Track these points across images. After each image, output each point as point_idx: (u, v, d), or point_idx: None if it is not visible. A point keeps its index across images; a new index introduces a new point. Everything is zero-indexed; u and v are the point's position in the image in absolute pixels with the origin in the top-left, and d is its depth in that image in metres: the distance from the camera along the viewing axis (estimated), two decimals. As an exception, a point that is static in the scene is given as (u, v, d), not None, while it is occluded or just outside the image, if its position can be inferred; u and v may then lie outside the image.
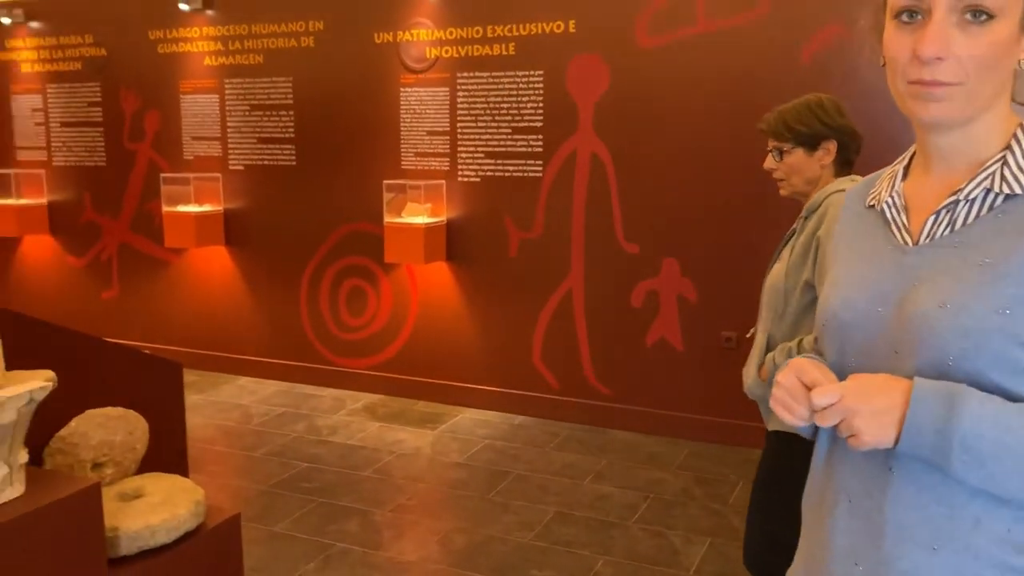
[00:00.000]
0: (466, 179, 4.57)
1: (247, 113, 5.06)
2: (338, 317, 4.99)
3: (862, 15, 0.99)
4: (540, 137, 4.38)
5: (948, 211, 1.00)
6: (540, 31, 4.30)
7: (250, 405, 4.76)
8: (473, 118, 4.51)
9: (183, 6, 5.02)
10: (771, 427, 2.09)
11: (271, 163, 5.03)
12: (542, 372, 4.53)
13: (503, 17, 4.36)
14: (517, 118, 4.42)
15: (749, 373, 2.09)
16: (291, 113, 4.94)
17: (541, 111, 4.36)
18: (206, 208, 5.14)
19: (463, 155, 4.56)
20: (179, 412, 2.25)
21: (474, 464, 3.91)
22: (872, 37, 1.07)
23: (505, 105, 4.43)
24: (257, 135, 5.05)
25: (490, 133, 4.49)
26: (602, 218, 4.28)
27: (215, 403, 4.78)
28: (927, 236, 1.02)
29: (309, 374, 5.10)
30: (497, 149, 4.48)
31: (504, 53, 4.39)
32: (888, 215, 1.08)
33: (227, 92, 5.10)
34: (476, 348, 4.67)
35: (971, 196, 0.99)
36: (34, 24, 5.60)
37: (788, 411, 1.02)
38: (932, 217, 1.01)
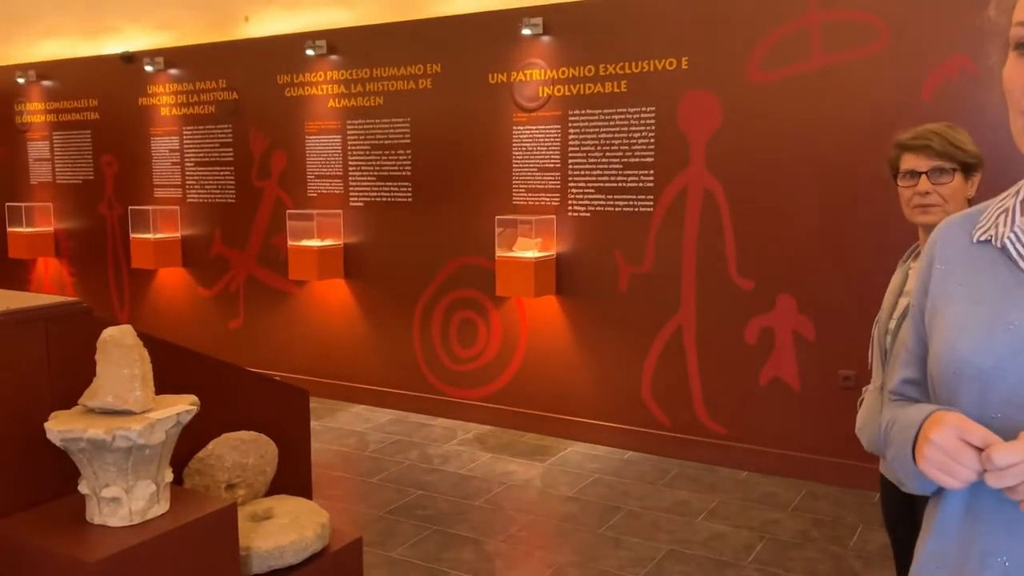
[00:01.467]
0: (576, 214, 4.62)
1: (367, 152, 5.28)
2: (449, 348, 5.11)
3: (992, 51, 0.96)
4: (651, 172, 4.39)
5: None
6: (652, 68, 4.33)
7: (366, 432, 4.91)
8: (584, 154, 4.57)
9: (309, 52, 5.30)
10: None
11: (389, 200, 5.23)
12: (651, 407, 4.49)
13: (615, 56, 4.42)
14: (628, 154, 4.45)
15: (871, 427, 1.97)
16: (408, 152, 5.13)
17: (652, 147, 4.38)
18: (328, 243, 5.37)
19: (573, 190, 4.62)
20: (305, 437, 2.36)
21: (584, 498, 3.91)
22: (998, 73, 1.04)
23: (616, 141, 4.47)
24: (376, 173, 5.26)
25: (600, 169, 4.53)
26: (714, 253, 4.24)
27: (333, 429, 4.95)
28: None
29: (421, 403, 5.22)
30: (607, 184, 4.52)
31: (616, 90, 4.45)
32: (1013, 251, 1.01)
33: (349, 132, 5.34)
34: (584, 382, 4.69)
35: None
36: (173, 71, 6.02)
37: (949, 473, 0.93)
38: None
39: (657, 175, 4.38)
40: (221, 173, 5.88)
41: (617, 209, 4.51)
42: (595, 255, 4.59)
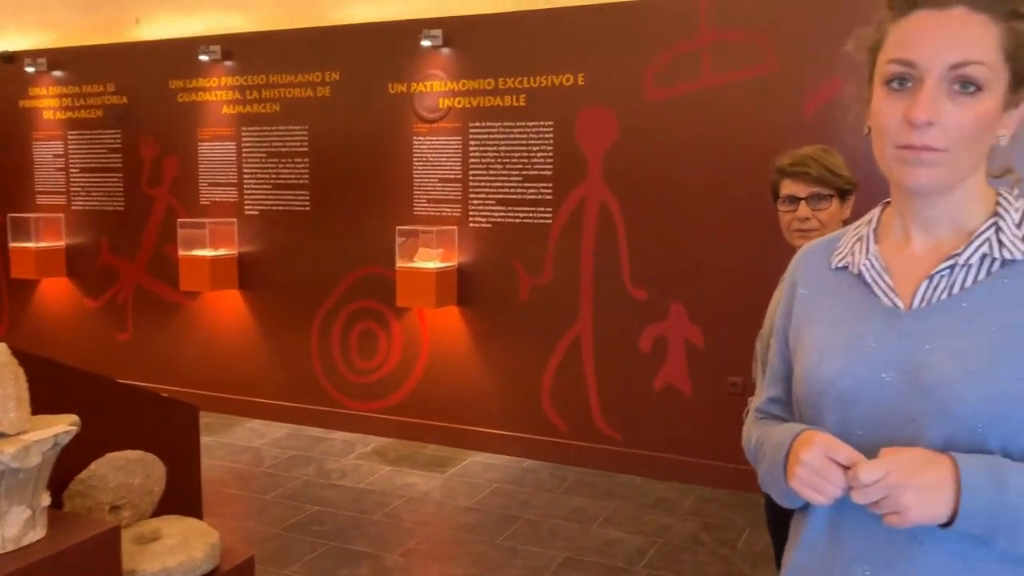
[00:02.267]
0: (477, 225, 4.65)
1: (263, 160, 5.18)
2: (349, 360, 5.05)
3: (848, 81, 1.03)
4: (550, 185, 4.47)
5: (943, 276, 1.01)
6: (550, 83, 4.41)
7: (261, 448, 4.80)
8: (484, 166, 4.61)
9: (203, 57, 5.16)
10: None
11: (285, 208, 5.13)
12: (551, 416, 4.56)
13: (514, 70, 4.48)
14: (527, 167, 4.51)
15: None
16: (306, 160, 5.05)
17: (551, 160, 4.45)
18: (221, 252, 5.23)
19: (474, 202, 4.65)
20: (195, 455, 2.30)
21: (483, 508, 3.93)
22: (856, 106, 1.09)
23: (516, 154, 4.53)
24: (272, 181, 5.16)
25: (501, 180, 4.58)
26: (611, 264, 4.35)
27: (227, 445, 4.82)
28: (922, 300, 1.01)
29: (320, 417, 5.14)
30: (508, 196, 4.57)
31: (515, 104, 4.50)
32: (869, 277, 1.06)
33: (244, 139, 5.22)
34: (486, 392, 4.72)
35: (969, 261, 1.00)
36: (57, 73, 5.76)
37: (818, 491, 0.97)
38: (927, 282, 1.01)
39: (556, 188, 4.46)
40: (109, 180, 5.66)
41: (517, 221, 4.56)
42: (496, 266, 4.63)
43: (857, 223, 1.15)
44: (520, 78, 4.48)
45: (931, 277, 1.01)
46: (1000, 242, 0.99)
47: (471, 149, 4.63)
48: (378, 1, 4.69)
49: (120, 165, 5.61)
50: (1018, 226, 1.01)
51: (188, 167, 5.40)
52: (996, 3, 0.94)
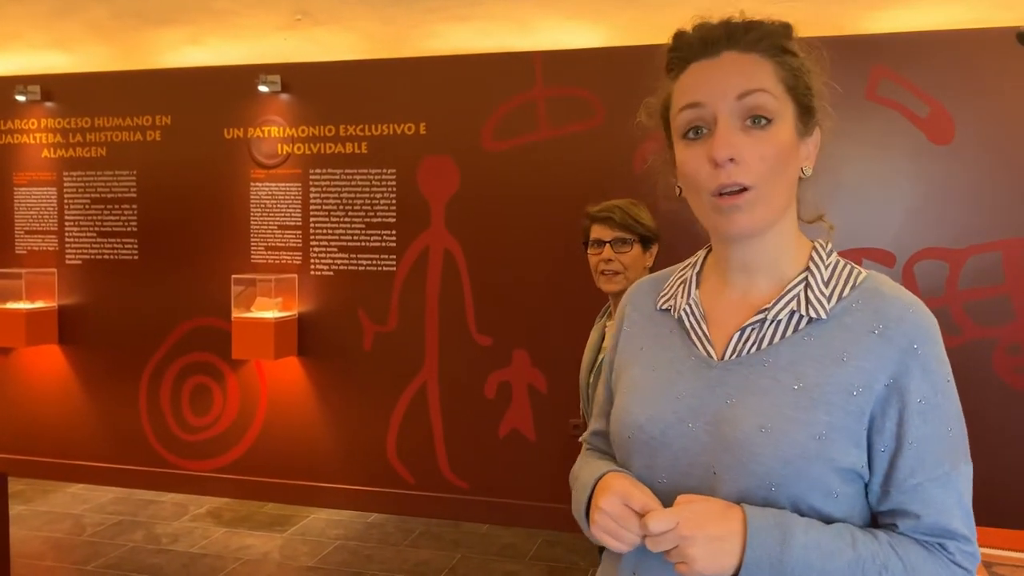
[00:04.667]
0: (319, 273, 4.56)
1: (87, 206, 4.88)
2: (180, 417, 4.79)
3: (648, 153, 1.08)
4: (393, 232, 4.45)
5: (755, 329, 1.02)
6: (392, 132, 4.42)
7: (83, 514, 4.45)
8: (326, 213, 4.54)
9: (20, 97, 4.84)
10: None
11: (112, 257, 4.85)
12: (396, 467, 4.48)
13: (355, 117, 4.46)
14: (371, 214, 4.48)
15: None
16: (134, 207, 4.81)
17: (394, 207, 4.44)
18: (39, 305, 4.86)
19: (316, 249, 4.56)
20: (2, 525, 2.10)
21: (326, 567, 3.79)
22: (664, 172, 1.11)
23: (359, 201, 4.49)
24: (97, 229, 4.87)
25: (343, 228, 4.52)
26: (455, 311, 4.36)
27: (43, 513, 4.44)
28: (733, 352, 1.02)
29: (149, 478, 4.82)
30: (351, 243, 4.51)
31: (357, 151, 4.48)
32: (687, 323, 1.07)
33: (66, 184, 4.92)
34: (329, 445, 4.58)
35: (778, 317, 1.01)
36: None
37: (616, 538, 0.97)
38: (738, 334, 1.02)
39: (399, 235, 4.44)
40: (-92, 226, 5.16)
41: (361, 268, 4.50)
42: (339, 314, 4.54)
43: (684, 264, 1.16)
44: (362, 125, 4.47)
45: (742, 330, 1.03)
46: (808, 299, 1.01)
47: (312, 196, 4.56)
48: (211, 46, 4.57)
49: (-79, 211, 5.14)
50: (826, 284, 1.02)
51: (2, 213, 5.01)
52: (761, 43, 1.00)
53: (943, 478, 0.98)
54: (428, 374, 4.42)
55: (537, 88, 4.20)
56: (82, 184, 4.89)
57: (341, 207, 4.52)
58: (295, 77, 4.54)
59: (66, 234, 4.93)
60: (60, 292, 4.93)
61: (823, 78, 1.05)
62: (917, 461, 0.97)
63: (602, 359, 2.12)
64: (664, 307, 1.11)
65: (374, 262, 4.49)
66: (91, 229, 4.88)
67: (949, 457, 0.99)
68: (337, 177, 4.52)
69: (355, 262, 4.51)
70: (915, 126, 3.79)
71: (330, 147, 4.52)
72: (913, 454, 0.97)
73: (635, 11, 3.33)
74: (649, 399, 1.04)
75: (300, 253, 4.58)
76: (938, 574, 0.95)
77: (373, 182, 4.47)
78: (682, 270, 1.15)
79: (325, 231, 4.55)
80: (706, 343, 1.04)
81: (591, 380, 2.13)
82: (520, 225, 4.25)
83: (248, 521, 4.31)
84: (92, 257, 4.89)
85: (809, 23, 3.86)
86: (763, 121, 0.97)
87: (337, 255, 4.54)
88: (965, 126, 3.75)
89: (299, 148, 4.56)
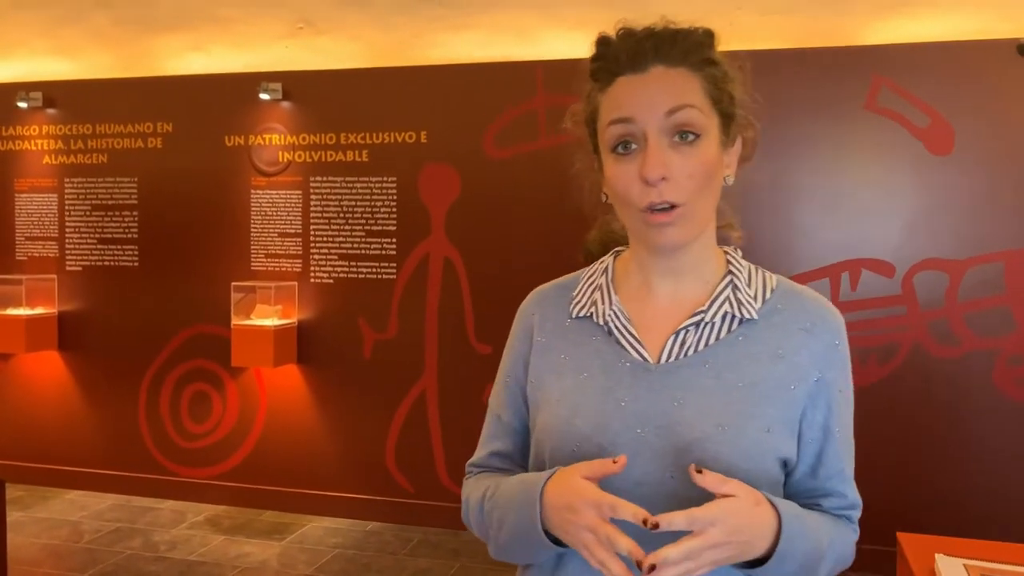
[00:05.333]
0: (319, 280, 4.56)
1: (88, 213, 4.89)
2: (180, 424, 4.78)
3: (576, 154, 1.07)
4: (393, 240, 4.45)
5: (689, 331, 1.03)
6: (393, 140, 4.43)
7: (81, 521, 4.43)
8: (326, 220, 4.54)
9: (22, 104, 4.86)
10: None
11: (112, 264, 4.85)
12: (395, 476, 4.47)
13: (356, 125, 4.47)
14: (371, 222, 4.48)
15: None
16: (135, 213, 4.81)
17: (395, 215, 4.45)
18: (39, 311, 4.86)
19: (316, 257, 4.57)
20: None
21: (323, 575, 3.78)
22: (588, 178, 1.11)
23: (359, 209, 4.50)
24: (98, 235, 4.88)
25: (344, 235, 4.52)
26: (455, 319, 4.36)
27: (41, 520, 4.42)
28: (670, 355, 1.02)
29: (148, 485, 4.81)
30: (351, 251, 4.51)
31: (357, 159, 4.49)
32: (615, 329, 1.06)
33: (67, 191, 4.92)
34: (327, 453, 4.57)
35: (713, 319, 1.03)
36: None
37: (605, 565, 0.89)
38: (674, 336, 1.03)
39: (400, 243, 4.45)
40: (-91, 232, 5.16)
41: (361, 276, 4.50)
42: (338, 322, 4.54)
43: (589, 271, 1.16)
44: (362, 133, 4.47)
45: (678, 332, 1.03)
46: (738, 301, 1.05)
47: (312, 203, 4.56)
48: (213, 54, 4.58)
49: (-78, 216, 5.14)
50: (749, 285, 1.07)
51: (3, 219, 5.02)
52: (687, 56, 1.00)
53: (849, 457, 1.09)
54: (428, 382, 4.41)
55: (538, 97, 4.20)
56: (83, 191, 4.90)
57: (341, 215, 4.52)
58: (296, 85, 4.55)
59: (67, 240, 4.93)
60: (60, 298, 4.93)
61: (746, 87, 1.06)
62: (843, 447, 1.06)
63: None
64: (582, 314, 1.10)
65: (374, 270, 4.49)
66: (91, 235, 4.89)
67: (852, 439, 1.10)
68: (338, 185, 4.52)
69: (355, 270, 4.51)
70: (915, 137, 3.80)
71: (331, 155, 4.53)
72: (837, 441, 1.06)
73: (634, 19, 3.34)
74: (590, 409, 1.02)
75: (300, 261, 4.58)
76: (850, 540, 1.09)
77: (374, 190, 4.47)
78: (589, 277, 1.14)
79: (325, 239, 4.55)
80: (639, 347, 1.04)
81: None
82: (520, 234, 4.25)
83: (246, 529, 4.30)
84: (92, 263, 4.89)
85: (809, 34, 3.88)
86: (691, 136, 0.98)
87: (337, 263, 4.54)
88: (965, 137, 3.75)
89: (300, 156, 4.56)
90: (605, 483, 0.94)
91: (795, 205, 3.93)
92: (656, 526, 0.85)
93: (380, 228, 4.47)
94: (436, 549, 4.09)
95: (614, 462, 0.92)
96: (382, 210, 4.46)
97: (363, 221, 4.49)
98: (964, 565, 1.73)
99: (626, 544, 0.87)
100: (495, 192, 4.28)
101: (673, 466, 0.97)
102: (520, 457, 1.16)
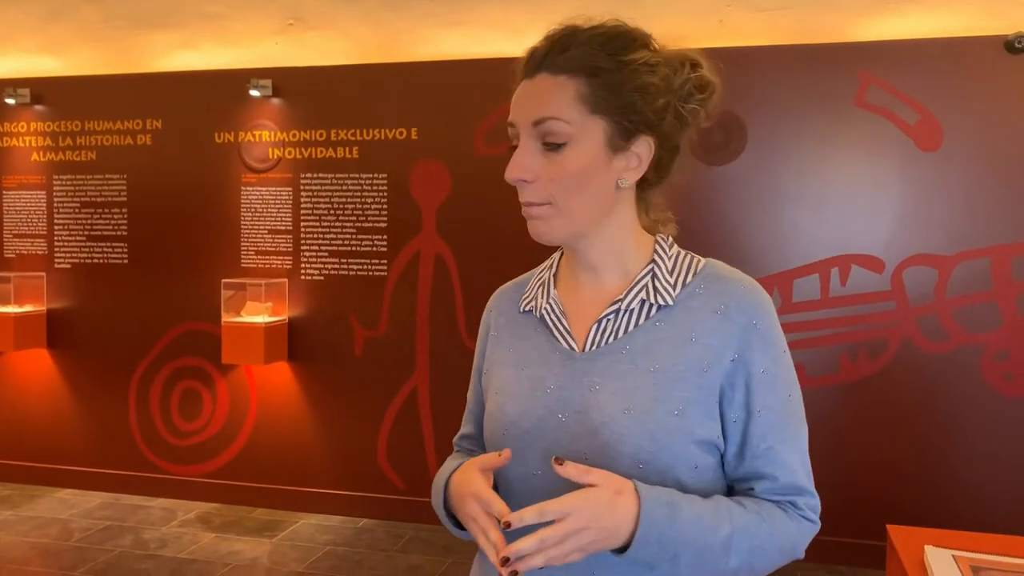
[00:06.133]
0: (309, 277, 4.55)
1: (77, 210, 4.86)
2: (170, 422, 4.76)
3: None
4: (385, 237, 4.44)
5: (609, 320, 1.08)
6: (383, 136, 4.42)
7: (70, 519, 4.41)
8: (317, 217, 4.53)
9: (10, 100, 4.83)
10: None
11: (101, 261, 4.83)
12: (387, 473, 4.47)
13: (346, 122, 4.46)
14: (362, 218, 4.47)
15: None
16: (124, 210, 4.79)
17: (385, 212, 4.44)
18: (27, 308, 4.84)
19: (306, 254, 4.56)
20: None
21: (315, 572, 3.78)
22: None
23: (350, 206, 4.49)
24: (87, 233, 4.85)
25: (334, 232, 4.52)
26: (446, 316, 4.36)
27: (30, 519, 4.40)
28: (592, 343, 1.08)
29: (138, 483, 4.80)
30: (342, 248, 4.50)
31: (348, 156, 4.48)
32: (548, 320, 1.13)
33: (55, 188, 4.90)
34: (318, 450, 4.57)
35: (630, 307, 1.08)
36: None
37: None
38: (595, 325, 1.08)
39: (391, 240, 4.44)
40: None
41: (352, 273, 4.50)
42: (329, 319, 4.53)
43: (541, 267, 1.23)
44: (353, 130, 4.46)
45: (599, 321, 1.08)
46: (655, 288, 1.08)
47: (303, 200, 4.55)
48: (203, 50, 4.57)
49: (-91, 214, 5.11)
50: (670, 273, 1.10)
51: (-10, 217, 4.99)
52: (569, 65, 1.04)
53: (789, 440, 1.07)
54: (419, 379, 4.41)
55: (529, 94, 4.19)
56: (72, 188, 4.87)
57: (332, 212, 4.51)
58: (286, 81, 4.53)
59: (55, 238, 4.91)
60: (49, 296, 4.91)
61: (661, 89, 1.05)
62: (767, 427, 1.05)
63: None
64: (527, 308, 1.17)
65: (365, 267, 4.48)
66: (81, 233, 4.87)
67: (792, 420, 1.08)
68: (328, 182, 4.51)
69: (346, 267, 4.51)
70: (904, 133, 3.81)
71: (321, 151, 4.52)
72: (762, 420, 1.05)
73: (626, 18, 3.34)
74: (521, 395, 1.09)
75: (290, 258, 4.57)
76: (795, 530, 1.06)
77: (364, 187, 4.46)
78: (540, 272, 1.22)
79: (316, 236, 4.54)
80: (568, 336, 1.10)
81: None
82: (512, 230, 4.25)
83: (237, 526, 4.29)
84: (81, 261, 4.87)
85: (797, 30, 3.89)
86: (555, 145, 1.03)
87: (328, 260, 4.53)
88: (954, 133, 3.77)
89: (290, 152, 4.55)
90: (527, 469, 1.05)
91: (784, 202, 3.95)
92: (508, 525, 0.91)
93: (371, 225, 4.46)
94: (428, 545, 4.09)
95: (499, 455, 1.01)
96: (373, 207, 4.46)
97: (354, 218, 4.48)
98: (953, 556, 1.74)
99: (494, 536, 0.94)
100: (486, 189, 4.28)
101: (587, 449, 1.02)
102: (483, 438, 1.23)
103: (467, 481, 1.01)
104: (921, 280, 3.82)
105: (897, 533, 1.94)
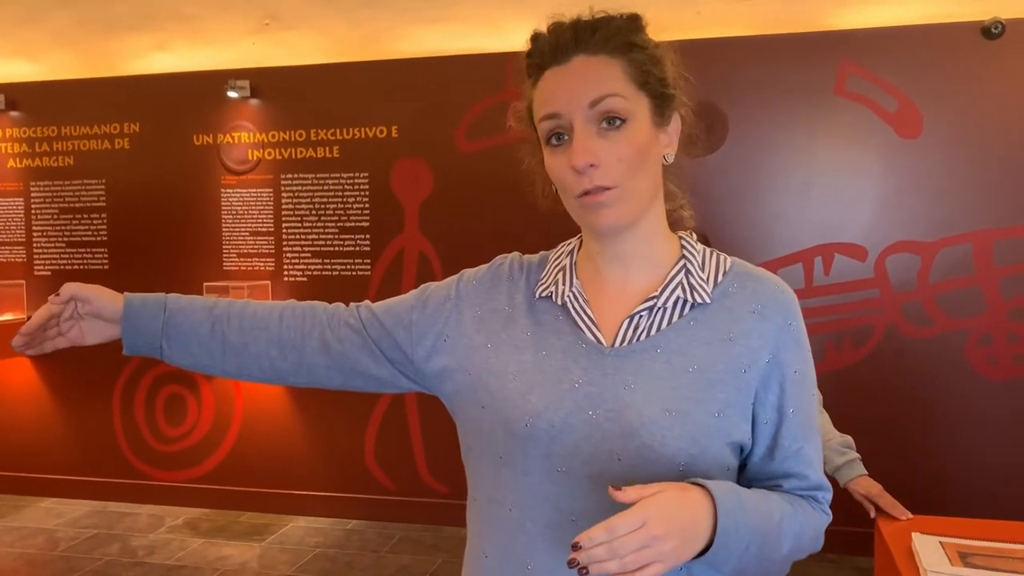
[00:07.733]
0: (292, 279, 4.52)
1: (55, 216, 4.81)
2: (155, 427, 4.72)
3: (524, 155, 1.10)
4: (367, 236, 4.42)
5: (643, 316, 1.04)
6: (364, 135, 4.40)
7: (56, 529, 4.37)
8: (299, 218, 4.50)
9: (-17, 107, 4.77)
10: None
11: (81, 267, 4.78)
12: (375, 473, 4.45)
13: (326, 121, 4.43)
14: (344, 218, 4.45)
15: None
16: (103, 216, 4.74)
17: (368, 211, 4.41)
18: (7, 317, 4.78)
19: (289, 255, 4.53)
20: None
21: (304, 575, 3.76)
22: (538, 173, 1.13)
23: (331, 205, 4.46)
24: (66, 239, 4.80)
25: (316, 233, 4.49)
26: (430, 315, 4.33)
27: (15, 529, 4.36)
28: (623, 340, 1.04)
29: (124, 491, 4.76)
30: (324, 248, 4.48)
31: (328, 155, 4.45)
32: (573, 310, 1.08)
33: (33, 195, 4.84)
34: (306, 452, 4.54)
35: (665, 305, 1.05)
36: None
37: None
38: (627, 320, 1.04)
39: (373, 239, 4.42)
40: None
41: (335, 273, 4.47)
42: (314, 321, 4.49)
43: (557, 252, 1.17)
44: (333, 129, 4.43)
45: (631, 317, 1.05)
46: (691, 285, 1.06)
47: (284, 201, 4.52)
48: (179, 52, 4.52)
49: None
50: (702, 270, 1.08)
51: (-33, 225, 4.92)
52: (607, 43, 1.02)
53: (813, 438, 1.07)
54: (405, 378, 4.38)
55: (509, 89, 4.18)
56: (50, 194, 4.82)
57: (314, 212, 4.48)
58: (264, 82, 4.50)
59: (34, 245, 4.85)
60: (29, 304, 4.85)
61: (677, 67, 1.07)
62: (798, 427, 1.05)
63: None
64: (544, 295, 1.11)
65: (348, 267, 4.45)
66: (60, 239, 4.81)
67: (814, 419, 1.08)
68: (309, 182, 4.48)
69: (329, 267, 4.48)
70: (884, 121, 3.82)
71: (301, 152, 4.49)
72: (794, 422, 1.05)
73: (605, 9, 3.32)
74: (546, 386, 1.03)
75: (273, 259, 4.54)
76: (817, 521, 1.07)
77: (345, 186, 4.44)
78: (557, 258, 1.16)
79: (298, 236, 4.51)
80: (595, 329, 1.06)
81: None
82: (495, 226, 4.24)
83: (225, 531, 4.26)
84: (62, 268, 4.82)
85: (776, 20, 3.89)
86: (617, 122, 1.00)
87: (311, 260, 4.50)
88: (933, 120, 3.78)
89: (270, 153, 4.52)
90: (550, 464, 1.01)
91: (767, 191, 3.95)
92: (577, 546, 0.84)
93: (353, 224, 4.44)
94: (417, 545, 4.08)
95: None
96: (355, 206, 4.43)
97: (336, 218, 4.46)
98: (940, 543, 1.75)
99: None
100: (468, 185, 4.26)
101: (621, 449, 0.99)
102: (366, 334, 1.21)
103: None
104: (904, 267, 3.83)
105: (885, 521, 1.94)
